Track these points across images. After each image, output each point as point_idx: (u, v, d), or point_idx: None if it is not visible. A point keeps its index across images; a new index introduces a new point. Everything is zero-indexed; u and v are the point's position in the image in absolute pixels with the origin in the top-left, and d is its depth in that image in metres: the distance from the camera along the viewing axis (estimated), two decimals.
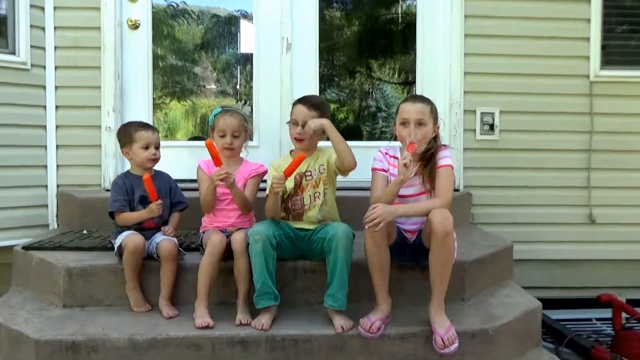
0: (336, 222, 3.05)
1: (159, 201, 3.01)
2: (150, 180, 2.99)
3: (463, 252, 3.20)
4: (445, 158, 2.93)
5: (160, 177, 3.20)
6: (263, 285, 2.81)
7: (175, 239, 3.04)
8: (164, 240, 2.98)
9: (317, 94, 4.24)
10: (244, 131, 3.20)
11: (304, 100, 3.09)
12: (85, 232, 3.70)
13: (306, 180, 3.10)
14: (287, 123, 3.15)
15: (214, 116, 3.19)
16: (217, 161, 2.96)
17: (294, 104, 3.13)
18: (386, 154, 3.05)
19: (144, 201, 3.09)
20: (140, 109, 4.14)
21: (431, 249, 2.77)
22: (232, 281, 2.95)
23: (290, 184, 3.08)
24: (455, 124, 4.15)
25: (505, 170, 4.22)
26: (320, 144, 3.19)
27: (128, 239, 2.93)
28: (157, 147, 3.16)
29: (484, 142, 4.20)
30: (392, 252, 2.87)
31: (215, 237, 2.93)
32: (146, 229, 3.10)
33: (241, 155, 3.29)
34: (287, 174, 2.92)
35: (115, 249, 2.99)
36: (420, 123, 2.89)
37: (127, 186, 3.13)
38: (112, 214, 3.11)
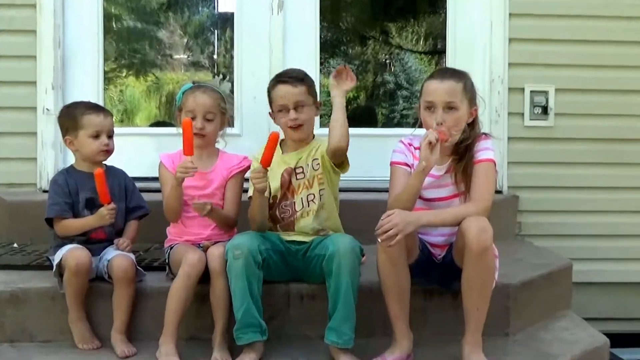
0: (338, 232, 3.05)
1: (112, 205, 3.01)
2: (103, 177, 2.99)
3: (507, 273, 3.20)
4: (485, 150, 2.92)
5: (114, 175, 3.20)
6: (246, 314, 2.81)
7: (132, 255, 3.05)
8: (117, 257, 2.99)
9: (317, 65, 4.26)
10: (221, 114, 3.21)
11: (284, 78, 3.12)
12: (15, 245, 3.71)
13: (297, 179, 3.11)
14: (269, 114, 3.16)
15: (183, 93, 3.21)
16: (188, 149, 2.97)
17: (272, 86, 3.14)
18: (409, 144, 3.05)
19: (92, 205, 3.09)
20: (88, 86, 4.15)
21: (465, 268, 2.77)
22: (207, 310, 2.96)
23: (275, 183, 3.09)
24: (497, 106, 4.15)
25: (563, 166, 4.23)
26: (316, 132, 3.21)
27: (70, 254, 2.94)
28: (110, 136, 3.16)
29: (534, 130, 4.21)
30: (414, 272, 2.88)
31: (193, 255, 2.94)
32: (94, 242, 3.10)
33: (218, 145, 3.29)
34: (265, 162, 2.92)
35: (54, 267, 3.00)
36: (450, 107, 2.88)
37: (69, 186, 3.13)
38: (50, 221, 3.11)
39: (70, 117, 3.16)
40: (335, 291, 2.82)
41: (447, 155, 2.94)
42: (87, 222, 3.07)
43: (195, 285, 2.91)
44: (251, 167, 3.15)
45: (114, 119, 3.25)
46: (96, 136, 3.12)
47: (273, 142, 2.91)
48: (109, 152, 3.16)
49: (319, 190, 3.09)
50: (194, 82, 3.27)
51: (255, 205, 2.99)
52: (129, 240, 3.11)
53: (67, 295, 2.97)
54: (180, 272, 2.91)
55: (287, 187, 3.10)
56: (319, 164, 3.10)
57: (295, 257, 3.03)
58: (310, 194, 3.09)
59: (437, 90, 2.90)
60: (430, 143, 2.74)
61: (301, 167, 3.11)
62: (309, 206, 3.08)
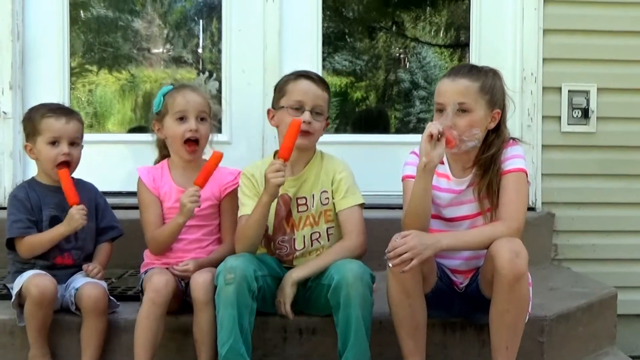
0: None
1: (81, 205, 3.04)
2: (67, 174, 3.04)
3: (541, 303, 3.21)
4: (514, 159, 2.94)
5: (82, 190, 3.20)
6: (231, 352, 2.80)
7: (104, 283, 3.07)
8: (87, 285, 3.01)
9: (320, 61, 4.28)
10: (209, 116, 3.26)
11: (310, 74, 3.13)
12: None
13: (298, 211, 3.11)
14: (269, 111, 3.18)
15: (164, 95, 3.23)
16: (204, 175, 3.05)
17: (292, 79, 3.14)
18: None
19: (56, 223, 3.11)
20: (51, 85, 4.17)
21: (494, 299, 2.79)
22: (191, 345, 2.98)
23: (271, 210, 3.05)
24: (530, 108, 4.18)
25: (606, 179, 4.25)
26: (327, 148, 3.22)
27: (32, 282, 2.95)
28: (74, 144, 3.17)
29: (573, 136, 4.23)
30: (431, 303, 2.90)
31: (159, 278, 2.95)
32: (59, 268, 3.13)
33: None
34: (284, 153, 2.92)
35: (13, 297, 3.02)
36: (462, 109, 2.90)
37: (31, 201, 3.15)
38: (11, 243, 3.13)
39: (30, 120, 3.21)
40: (345, 327, 2.83)
41: (469, 167, 2.96)
42: (57, 231, 3.08)
43: (164, 313, 2.92)
44: (241, 185, 3.15)
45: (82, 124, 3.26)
46: (54, 143, 3.13)
47: (294, 130, 2.93)
48: (69, 164, 3.15)
49: (327, 229, 3.11)
50: (173, 83, 3.30)
51: (255, 215, 2.97)
52: (99, 266, 3.13)
53: (29, 329, 2.98)
54: (144, 299, 2.94)
55: (284, 218, 3.11)
56: (328, 198, 3.11)
57: (297, 287, 3.03)
58: (315, 232, 3.11)
59: (447, 90, 2.93)
60: (431, 136, 2.75)
61: (304, 197, 3.11)
62: (312, 246, 3.11)
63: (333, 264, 2.93)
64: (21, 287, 2.96)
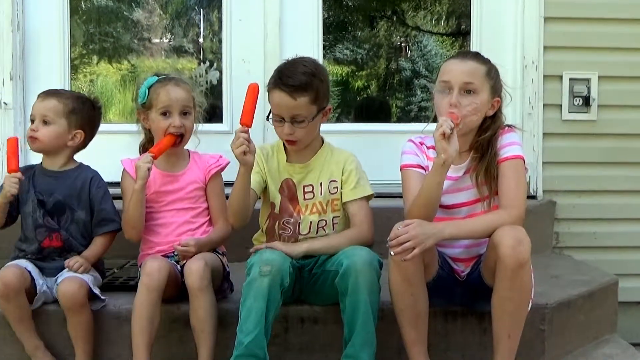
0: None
1: (17, 174, 3.03)
2: (15, 144, 3.07)
3: (542, 291, 3.21)
4: (511, 146, 2.94)
5: (78, 174, 3.21)
6: (254, 342, 2.77)
7: (86, 277, 3.04)
8: (64, 281, 2.99)
9: (320, 50, 4.27)
10: (193, 108, 3.26)
11: (283, 83, 3.03)
12: None
13: (305, 198, 3.11)
14: (267, 120, 3.14)
15: (148, 89, 3.22)
16: (161, 147, 3.07)
17: (271, 87, 3.09)
18: (421, 144, 3.07)
19: (43, 206, 3.13)
20: (52, 76, 4.16)
21: (496, 287, 2.79)
22: (192, 336, 2.98)
23: (273, 188, 3.10)
24: (531, 96, 4.17)
25: (608, 167, 4.24)
26: (329, 137, 3.20)
27: (3, 271, 2.96)
28: (47, 122, 3.16)
29: (574, 124, 4.23)
30: (433, 292, 2.90)
31: (152, 263, 2.95)
32: (48, 254, 3.13)
33: (191, 145, 3.33)
34: (244, 119, 2.91)
35: None
36: (468, 89, 2.90)
37: (24, 182, 3.16)
38: None
39: None
40: (352, 312, 2.83)
41: (465, 151, 2.96)
42: None
43: (159, 299, 2.92)
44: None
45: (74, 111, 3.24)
46: (32, 121, 3.18)
47: (252, 94, 2.93)
48: (33, 139, 3.17)
49: (333, 218, 3.11)
50: (157, 74, 3.28)
51: (235, 185, 2.96)
52: (82, 260, 3.08)
53: (10, 323, 3.00)
54: (139, 286, 2.94)
55: (289, 200, 3.11)
56: (337, 187, 3.11)
57: (301, 275, 3.04)
58: (322, 219, 3.10)
59: (455, 69, 2.93)
60: (444, 134, 2.74)
61: (310, 185, 3.11)
62: (317, 233, 3.10)
63: (342, 250, 2.92)
64: None
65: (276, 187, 3.11)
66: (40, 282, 3.06)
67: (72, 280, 2.99)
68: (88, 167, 3.28)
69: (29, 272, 3.02)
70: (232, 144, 2.88)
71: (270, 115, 3.08)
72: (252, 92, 2.94)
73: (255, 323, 2.77)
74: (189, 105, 3.20)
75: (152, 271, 2.92)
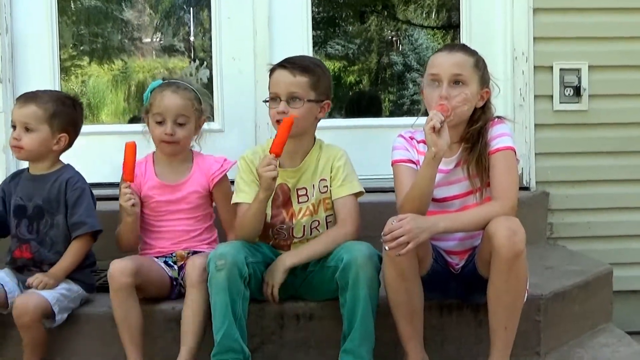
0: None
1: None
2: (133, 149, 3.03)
3: (537, 282, 3.22)
4: (501, 137, 2.94)
5: (58, 177, 3.15)
6: (226, 337, 2.80)
7: (46, 294, 2.97)
8: (18, 297, 2.96)
9: (311, 46, 4.26)
10: (196, 116, 3.21)
11: (287, 63, 3.10)
12: None
13: (299, 202, 3.11)
14: (264, 102, 3.16)
15: (151, 92, 3.21)
16: (127, 174, 3.00)
17: (272, 69, 3.13)
18: (411, 138, 3.07)
19: (21, 213, 3.10)
20: (42, 77, 4.13)
21: (491, 279, 2.79)
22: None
23: (265, 208, 3.05)
24: (522, 87, 4.16)
25: (600, 157, 4.23)
26: (320, 133, 3.19)
27: None
28: (29, 129, 3.10)
29: (565, 115, 4.21)
30: (427, 286, 2.90)
31: (116, 265, 2.93)
32: (22, 265, 3.12)
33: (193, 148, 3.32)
34: (275, 149, 2.91)
35: None
36: (457, 81, 2.91)
37: (5, 190, 3.15)
38: None
39: None
40: (351, 307, 2.83)
41: (455, 142, 2.95)
42: None
43: (130, 298, 2.92)
44: (239, 168, 3.14)
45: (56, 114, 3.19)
46: (14, 127, 3.14)
47: (287, 126, 2.92)
48: (18, 148, 3.12)
49: (326, 217, 3.11)
50: (164, 79, 3.26)
51: (253, 209, 2.96)
52: (46, 277, 3.01)
53: None
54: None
55: (282, 206, 3.10)
56: (326, 185, 3.11)
57: (293, 272, 3.03)
58: (314, 220, 3.10)
59: (444, 61, 2.94)
60: (434, 128, 2.74)
61: (304, 188, 3.11)
62: (311, 234, 3.10)
63: (341, 246, 2.93)
64: None
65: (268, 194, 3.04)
66: (13, 294, 3.01)
67: (25, 297, 2.94)
68: (69, 168, 3.21)
69: (1, 285, 3.00)
70: (260, 167, 2.90)
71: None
72: (286, 125, 2.92)
73: (223, 318, 2.80)
74: (184, 115, 3.15)
75: (114, 274, 2.92)
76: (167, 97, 3.15)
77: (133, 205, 2.99)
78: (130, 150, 2.98)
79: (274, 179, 2.89)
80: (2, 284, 3.01)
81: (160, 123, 3.14)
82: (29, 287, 3.00)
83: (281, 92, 3.04)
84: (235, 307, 2.81)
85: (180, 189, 3.18)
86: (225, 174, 3.25)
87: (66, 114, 3.18)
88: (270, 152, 2.91)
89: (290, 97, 3.03)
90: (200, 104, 3.22)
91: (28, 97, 3.17)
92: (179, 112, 3.15)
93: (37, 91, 3.25)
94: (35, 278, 3.00)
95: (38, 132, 3.11)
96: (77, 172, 3.21)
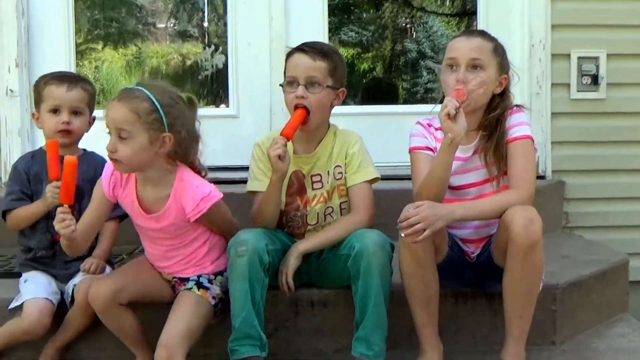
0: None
1: (57, 183, 2.89)
2: (55, 148, 2.94)
3: (553, 271, 3.21)
4: (519, 126, 2.93)
5: (89, 162, 3.14)
6: (244, 323, 2.80)
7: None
8: (82, 285, 2.92)
9: (326, 32, 4.26)
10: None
11: (306, 47, 3.08)
12: None
13: (313, 188, 3.10)
14: (280, 85, 3.13)
15: None
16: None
17: (289, 53, 3.11)
18: (429, 125, 3.06)
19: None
20: (58, 62, 4.13)
21: (507, 268, 2.78)
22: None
23: (280, 190, 3.04)
24: (539, 76, 4.14)
25: (617, 146, 4.22)
26: (335, 120, 3.17)
27: (30, 309, 2.89)
28: (77, 112, 3.09)
29: (583, 103, 4.20)
30: (443, 273, 2.89)
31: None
32: (58, 259, 3.09)
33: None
34: (286, 133, 2.92)
35: (11, 305, 2.96)
36: (475, 65, 2.89)
37: (31, 172, 3.12)
38: (5, 215, 3.11)
39: (36, 87, 3.17)
40: (363, 295, 2.83)
41: (473, 130, 2.94)
42: (36, 207, 3.03)
43: (123, 313, 2.87)
44: (254, 156, 3.12)
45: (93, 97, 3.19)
46: (55, 111, 3.07)
47: (298, 116, 2.94)
48: (68, 132, 3.08)
49: (340, 204, 3.10)
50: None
51: (267, 194, 2.96)
52: (96, 260, 3.03)
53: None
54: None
55: (296, 193, 3.09)
56: (341, 172, 3.09)
57: (307, 260, 3.03)
58: (328, 207, 3.09)
59: (462, 46, 2.93)
60: (449, 115, 2.72)
61: (319, 174, 3.09)
62: (325, 220, 3.09)
63: (353, 234, 2.92)
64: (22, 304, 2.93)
65: (285, 183, 3.05)
66: (55, 298, 3.00)
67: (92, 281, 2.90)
68: (94, 152, 3.22)
69: (50, 300, 2.95)
70: (271, 148, 2.89)
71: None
72: (300, 115, 2.94)
73: (242, 304, 2.80)
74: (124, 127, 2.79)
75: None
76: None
77: (73, 231, 2.74)
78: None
79: (280, 157, 2.88)
80: (49, 299, 2.95)
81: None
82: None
83: (300, 76, 3.01)
84: (254, 294, 2.81)
85: (159, 220, 2.89)
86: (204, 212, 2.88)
87: (94, 96, 3.21)
88: (280, 135, 2.92)
89: (309, 81, 3.00)
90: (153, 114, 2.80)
91: (72, 80, 3.13)
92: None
93: (75, 74, 3.27)
94: (91, 263, 3.02)
95: (84, 115, 3.11)
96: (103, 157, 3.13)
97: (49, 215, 3.01)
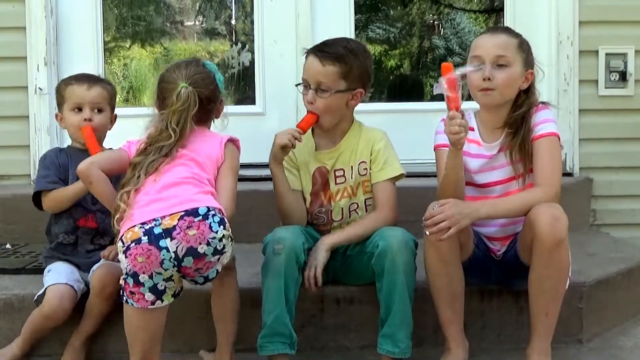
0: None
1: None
2: (91, 132, 3.04)
3: (580, 269, 3.20)
4: (545, 123, 2.92)
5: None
6: (276, 321, 2.81)
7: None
8: (99, 270, 2.98)
9: (352, 30, 4.27)
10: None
11: (317, 49, 3.05)
12: (8, 246, 3.77)
13: (336, 183, 3.10)
14: (296, 86, 3.14)
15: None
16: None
17: (306, 54, 3.09)
18: None
19: None
20: (86, 60, 4.18)
21: (533, 266, 2.78)
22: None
23: (306, 181, 3.09)
24: (566, 72, 4.13)
25: None
26: (361, 117, 3.18)
27: (51, 293, 2.92)
28: (100, 110, 3.16)
29: (611, 100, 4.18)
30: (469, 271, 2.90)
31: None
32: (79, 247, 3.12)
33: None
34: (302, 126, 2.96)
35: (36, 296, 2.99)
36: (501, 63, 2.89)
37: (60, 161, 3.16)
38: (38, 199, 3.12)
39: (57, 90, 3.24)
40: (389, 293, 2.83)
41: (499, 128, 2.95)
42: (78, 188, 3.03)
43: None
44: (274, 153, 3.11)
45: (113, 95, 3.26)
46: (77, 109, 3.15)
47: (309, 120, 2.99)
48: (92, 128, 3.14)
49: (365, 200, 3.10)
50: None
51: (275, 187, 3.00)
52: (113, 247, 3.03)
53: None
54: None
55: (321, 189, 3.10)
56: (366, 168, 3.09)
57: (334, 257, 3.03)
58: (353, 203, 3.09)
59: (487, 43, 2.92)
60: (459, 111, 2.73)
61: (342, 169, 3.10)
62: (350, 217, 3.09)
63: (377, 231, 2.92)
64: (44, 291, 2.96)
65: (308, 180, 3.09)
66: (78, 286, 3.03)
67: (109, 266, 2.97)
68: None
69: (71, 286, 2.99)
70: (278, 133, 2.93)
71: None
72: (311, 117, 3.00)
73: (275, 302, 2.80)
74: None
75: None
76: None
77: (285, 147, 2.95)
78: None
79: (284, 148, 2.92)
80: (70, 284, 2.99)
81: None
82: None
83: (310, 80, 3.03)
84: (288, 293, 2.81)
85: None
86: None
87: (115, 95, 3.30)
88: (297, 127, 2.97)
89: (318, 86, 3.00)
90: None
91: (91, 79, 3.21)
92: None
93: (94, 75, 3.33)
94: (110, 252, 3.03)
95: (106, 112, 3.18)
96: None
97: (76, 204, 3.09)
